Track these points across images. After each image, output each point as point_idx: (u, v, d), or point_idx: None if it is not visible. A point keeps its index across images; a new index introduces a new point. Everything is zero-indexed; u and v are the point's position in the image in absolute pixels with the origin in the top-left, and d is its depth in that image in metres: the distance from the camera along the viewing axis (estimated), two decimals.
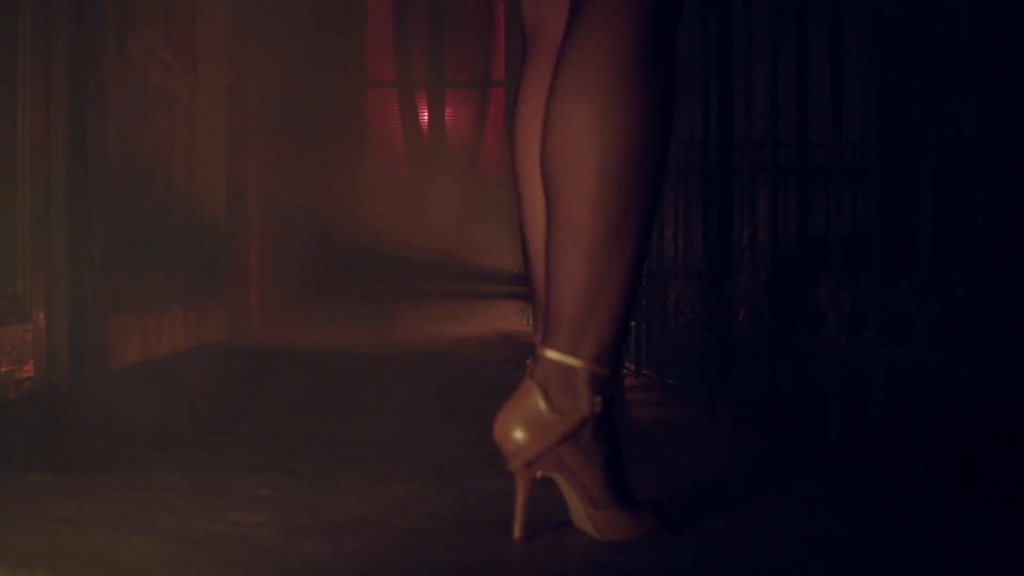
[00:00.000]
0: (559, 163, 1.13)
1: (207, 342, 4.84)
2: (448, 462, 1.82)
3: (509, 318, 7.38)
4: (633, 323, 3.32)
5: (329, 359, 4.20)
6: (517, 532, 1.24)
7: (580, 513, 1.23)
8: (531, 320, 6.16)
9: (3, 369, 2.43)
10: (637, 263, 1.18)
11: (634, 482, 1.39)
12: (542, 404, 1.20)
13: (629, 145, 1.11)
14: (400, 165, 7.55)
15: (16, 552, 1.19)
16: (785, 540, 1.34)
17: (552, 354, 1.20)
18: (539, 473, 1.21)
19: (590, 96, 1.11)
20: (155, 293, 3.88)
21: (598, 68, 1.11)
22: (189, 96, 4.37)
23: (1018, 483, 1.38)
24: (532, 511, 1.29)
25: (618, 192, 1.12)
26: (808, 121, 1.99)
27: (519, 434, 1.21)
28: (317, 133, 7.31)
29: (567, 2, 1.19)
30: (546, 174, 1.15)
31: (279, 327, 6.48)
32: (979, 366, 1.37)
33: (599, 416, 1.21)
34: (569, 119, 1.12)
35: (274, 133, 7.01)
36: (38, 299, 2.64)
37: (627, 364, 3.43)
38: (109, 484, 1.57)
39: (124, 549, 1.21)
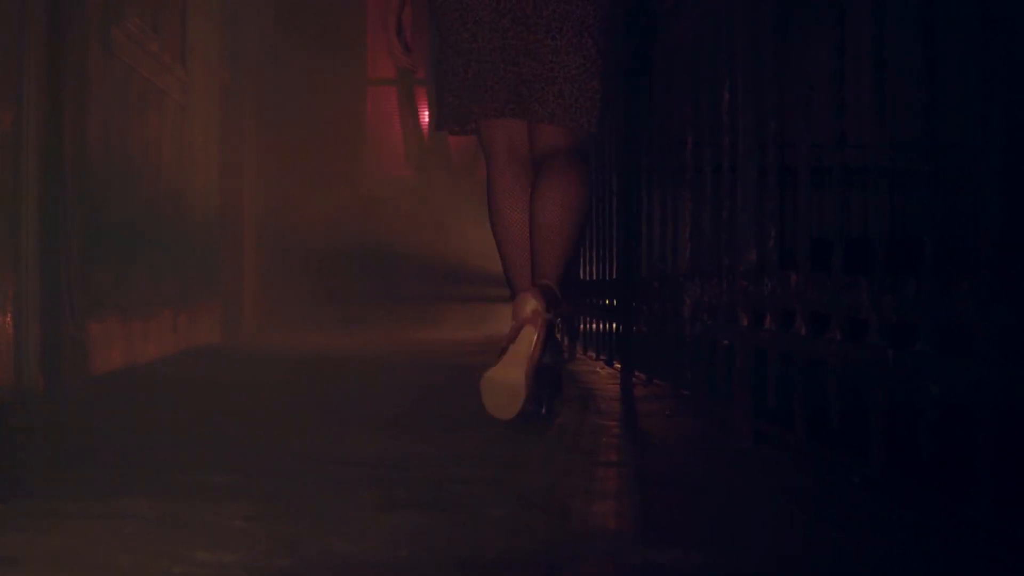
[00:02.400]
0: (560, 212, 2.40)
1: (198, 346, 4.66)
2: (447, 483, 1.64)
3: (511, 322, 7.20)
4: (643, 329, 3.14)
5: (324, 365, 4.02)
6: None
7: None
8: None
9: None
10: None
11: (649, 499, 1.21)
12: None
13: (584, 211, 2.46)
14: (400, 165, 7.37)
15: None
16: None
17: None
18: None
19: (572, 193, 2.41)
20: (141, 295, 3.70)
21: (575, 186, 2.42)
22: (180, 90, 4.19)
23: None
24: (539, 544, 1.12)
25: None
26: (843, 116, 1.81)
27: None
28: (316, 131, 7.14)
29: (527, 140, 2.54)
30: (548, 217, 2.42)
31: (275, 330, 6.30)
32: None
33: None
34: (564, 197, 2.40)
35: (271, 131, 6.83)
36: (6, 301, 2.46)
37: (637, 373, 3.25)
38: (64, 512, 1.40)
39: None
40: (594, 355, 4.22)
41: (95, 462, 1.78)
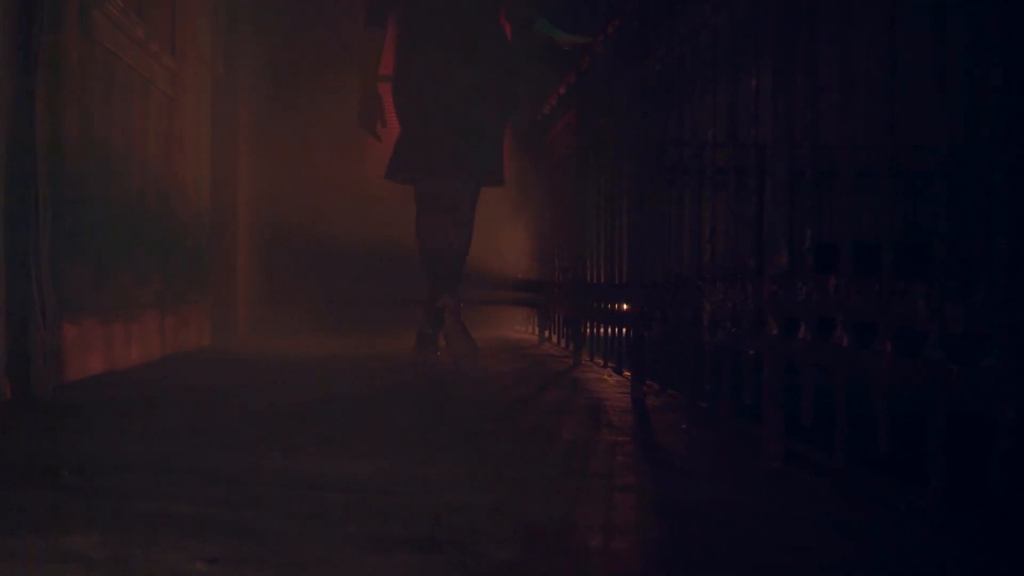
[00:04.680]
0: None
1: (187, 350, 4.46)
2: (445, 513, 1.44)
3: (513, 326, 7.00)
4: (655, 335, 2.94)
5: (319, 372, 3.82)
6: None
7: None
8: (536, 329, 5.78)
9: None
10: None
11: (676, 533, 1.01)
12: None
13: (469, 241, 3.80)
14: None
15: None
16: None
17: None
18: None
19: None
20: (124, 296, 3.50)
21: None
22: (168, 81, 3.99)
23: None
24: None
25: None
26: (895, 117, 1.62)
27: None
28: (314, 129, 6.94)
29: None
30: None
31: (270, 334, 6.11)
32: None
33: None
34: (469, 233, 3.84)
35: (267, 127, 6.64)
36: None
37: (649, 382, 3.06)
38: None
39: None
40: (602, 362, 4.02)
41: (46, 484, 1.58)
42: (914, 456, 1.56)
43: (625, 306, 3.36)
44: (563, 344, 4.94)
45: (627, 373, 3.39)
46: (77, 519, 1.35)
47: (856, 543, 1.36)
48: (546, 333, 5.54)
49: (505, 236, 6.72)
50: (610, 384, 3.41)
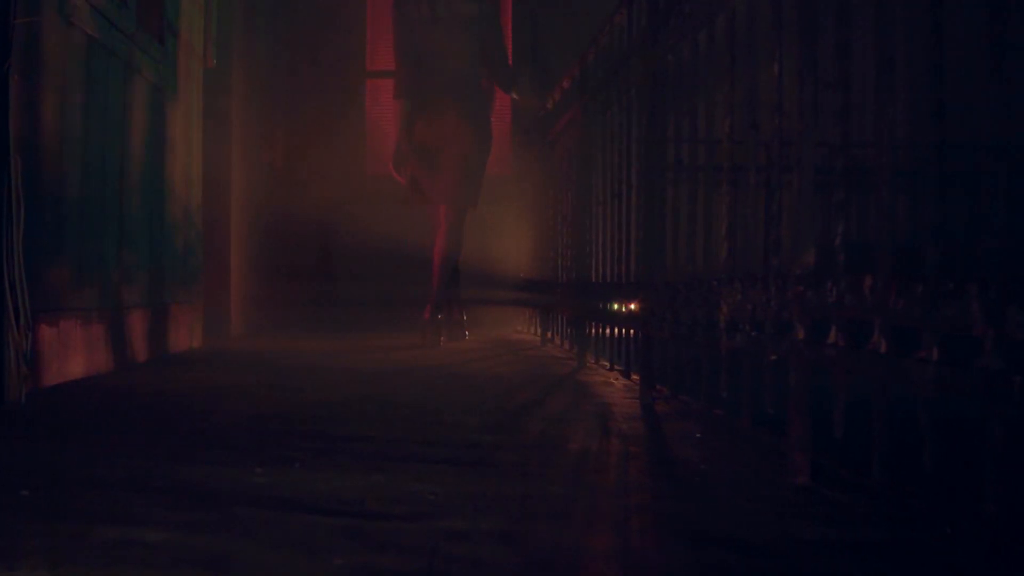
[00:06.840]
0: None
1: (176, 352, 4.31)
2: (444, 541, 1.29)
3: (515, 326, 6.85)
4: (665, 338, 2.79)
5: (314, 375, 3.67)
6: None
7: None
8: (539, 330, 5.63)
9: None
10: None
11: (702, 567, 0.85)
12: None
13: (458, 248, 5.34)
14: None
15: None
16: None
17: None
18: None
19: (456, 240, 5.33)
20: (107, 296, 3.34)
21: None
22: (154, 71, 3.84)
23: None
24: None
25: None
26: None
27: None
28: (311, 125, 6.80)
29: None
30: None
31: (264, 335, 5.96)
32: None
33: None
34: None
35: (262, 122, 6.49)
36: None
37: (658, 387, 2.91)
38: None
39: None
40: (607, 364, 3.87)
41: (1, 505, 1.43)
42: (961, 474, 1.42)
43: (633, 306, 3.21)
44: (566, 346, 4.79)
45: (635, 377, 3.25)
46: (29, 548, 1.20)
47: (899, 573, 1.21)
48: (548, 334, 5.39)
49: (506, 235, 6.58)
50: (617, 388, 3.26)
